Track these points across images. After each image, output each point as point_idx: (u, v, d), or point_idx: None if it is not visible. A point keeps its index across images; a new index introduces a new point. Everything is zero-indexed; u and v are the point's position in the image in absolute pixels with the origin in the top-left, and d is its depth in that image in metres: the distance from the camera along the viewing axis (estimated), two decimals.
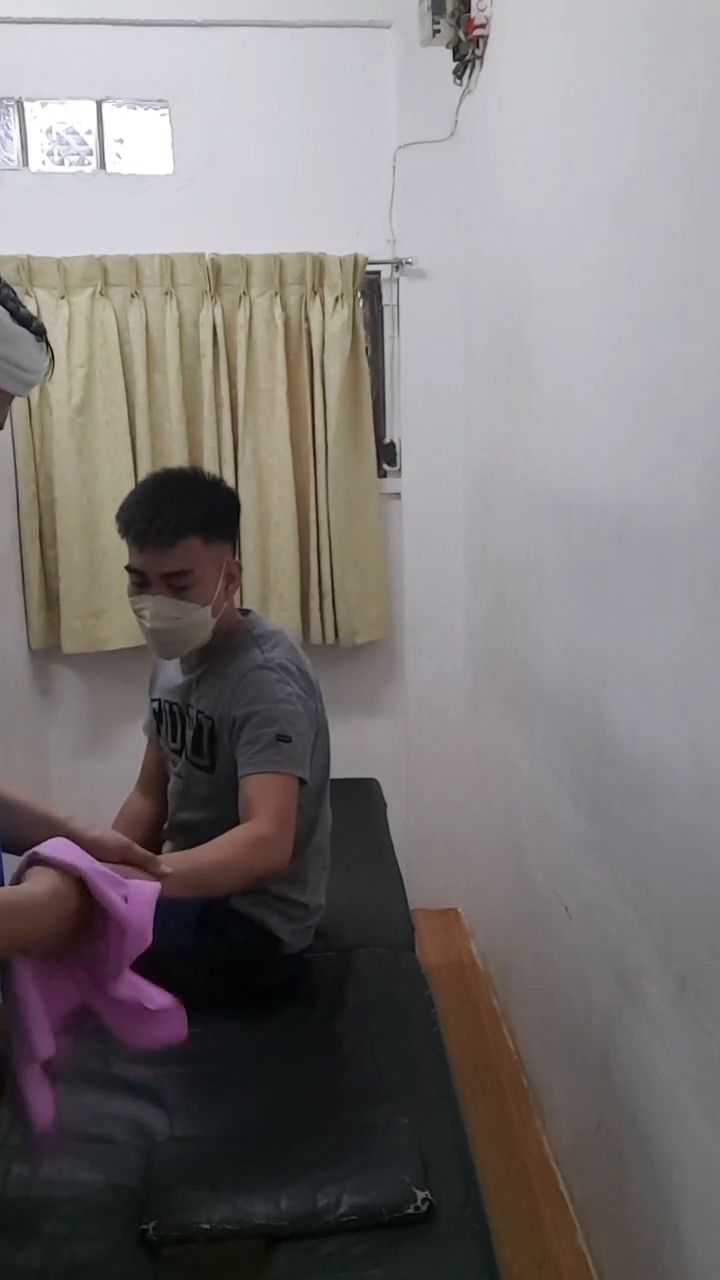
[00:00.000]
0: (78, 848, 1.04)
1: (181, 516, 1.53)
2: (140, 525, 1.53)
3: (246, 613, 1.74)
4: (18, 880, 1.02)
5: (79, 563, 2.73)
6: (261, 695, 1.56)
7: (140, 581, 1.57)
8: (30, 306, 2.60)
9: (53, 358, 1.02)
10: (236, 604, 1.73)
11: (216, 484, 1.67)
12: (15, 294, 0.97)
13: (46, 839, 1.15)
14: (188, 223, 2.71)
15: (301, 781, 1.54)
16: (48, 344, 1.00)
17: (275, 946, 1.66)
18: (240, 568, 1.67)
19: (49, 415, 2.69)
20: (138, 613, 1.59)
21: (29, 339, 0.97)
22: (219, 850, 1.42)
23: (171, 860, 1.34)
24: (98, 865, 1.03)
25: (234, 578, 1.65)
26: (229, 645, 1.65)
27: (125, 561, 1.58)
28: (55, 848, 1.03)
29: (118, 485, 2.67)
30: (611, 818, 1.56)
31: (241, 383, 2.72)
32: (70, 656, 2.86)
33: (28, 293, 2.62)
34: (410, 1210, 1.15)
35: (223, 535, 1.61)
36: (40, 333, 0.99)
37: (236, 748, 1.56)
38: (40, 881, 0.99)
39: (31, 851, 1.03)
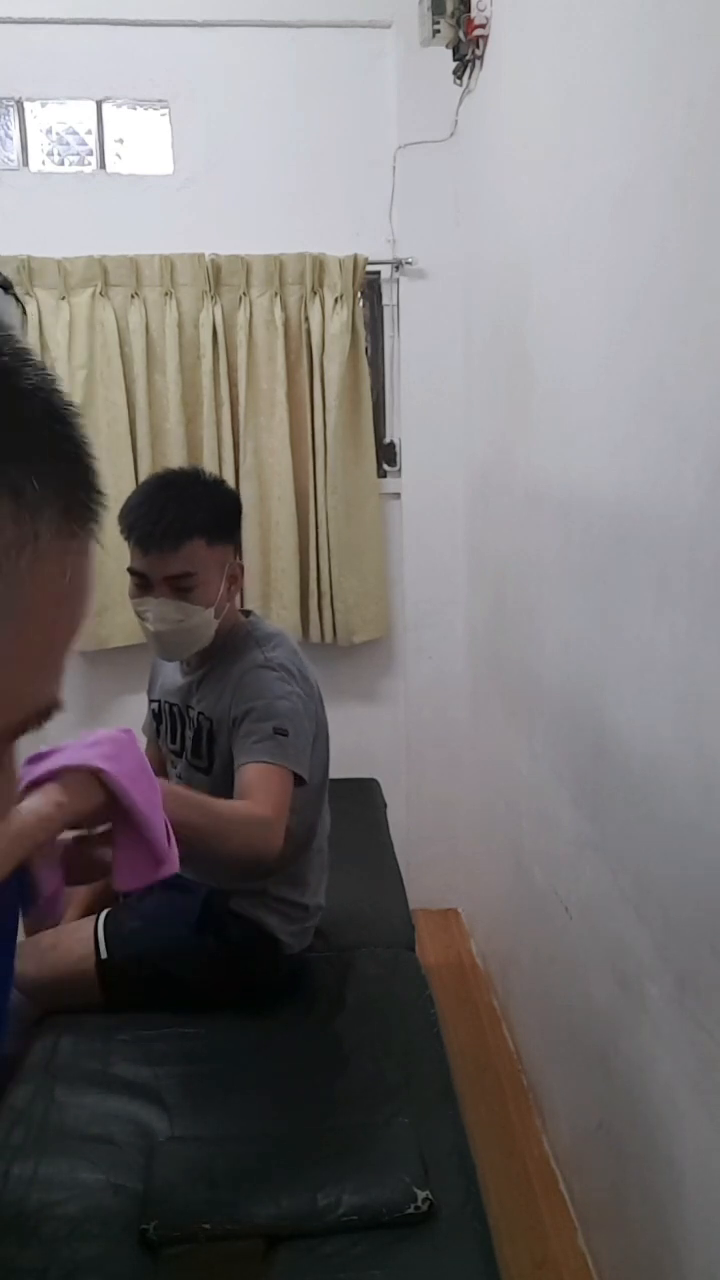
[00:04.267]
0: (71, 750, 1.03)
1: (185, 519, 1.52)
2: (144, 528, 1.52)
3: (248, 614, 1.74)
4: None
5: None
6: (261, 692, 1.56)
7: (142, 584, 1.56)
8: (30, 307, 2.62)
9: (24, 310, 1.02)
10: (238, 605, 1.73)
11: (219, 485, 1.66)
12: None
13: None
14: (188, 223, 2.71)
15: (299, 780, 1.53)
16: (16, 298, 1.00)
17: (275, 947, 1.66)
18: (243, 569, 1.67)
19: None
20: (140, 615, 1.58)
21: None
22: (220, 803, 1.40)
23: (171, 786, 1.30)
24: (143, 787, 1.03)
25: (236, 579, 1.64)
26: (230, 647, 1.65)
27: (126, 561, 1.58)
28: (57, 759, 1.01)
29: (119, 485, 2.67)
30: (611, 818, 1.56)
31: (242, 383, 2.72)
32: (71, 655, 2.86)
33: (28, 293, 2.61)
34: (410, 1210, 1.15)
35: (226, 537, 1.61)
36: (7, 285, 1.00)
37: (234, 741, 1.56)
38: (47, 795, 0.97)
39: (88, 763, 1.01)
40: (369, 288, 2.80)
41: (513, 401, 2.18)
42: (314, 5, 2.67)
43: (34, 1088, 1.39)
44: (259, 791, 1.45)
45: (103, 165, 2.75)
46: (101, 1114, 1.34)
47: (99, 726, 3.15)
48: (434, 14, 2.35)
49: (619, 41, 1.40)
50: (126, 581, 1.59)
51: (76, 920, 1.73)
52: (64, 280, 2.62)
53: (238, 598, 1.70)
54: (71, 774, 1.00)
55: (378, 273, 2.79)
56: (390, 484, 2.92)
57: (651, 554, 1.34)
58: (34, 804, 0.96)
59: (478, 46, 2.31)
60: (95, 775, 1.01)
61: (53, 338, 2.64)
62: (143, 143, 2.75)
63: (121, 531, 1.57)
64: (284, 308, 2.70)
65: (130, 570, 1.57)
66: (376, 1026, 1.57)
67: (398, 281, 2.80)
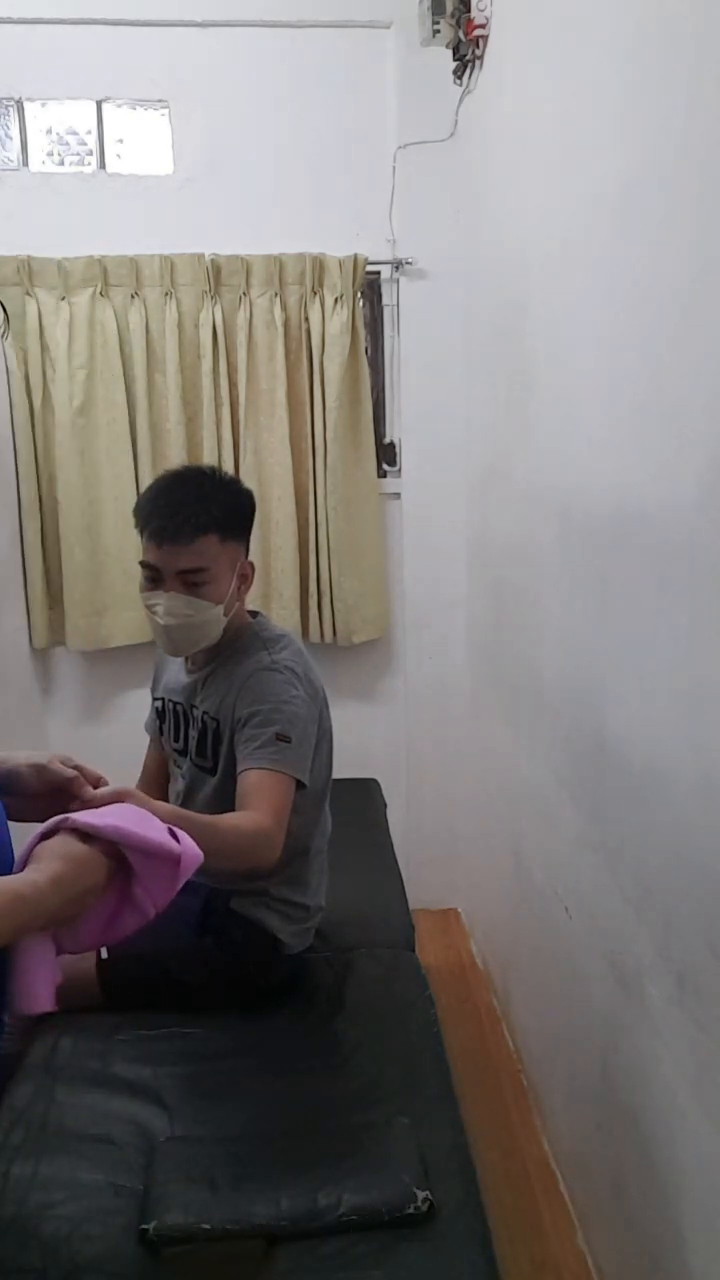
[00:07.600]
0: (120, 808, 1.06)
1: (201, 513, 1.53)
2: (159, 521, 1.53)
3: (255, 615, 1.74)
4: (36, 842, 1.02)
5: (81, 562, 2.72)
6: (266, 695, 1.56)
7: (154, 577, 1.56)
8: (30, 307, 2.62)
9: (5, 311, 1.04)
10: (245, 605, 1.73)
11: (234, 483, 1.67)
12: None
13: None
14: (188, 223, 2.71)
15: (300, 785, 1.53)
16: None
17: (275, 947, 1.66)
18: (253, 568, 1.67)
19: (50, 416, 2.69)
20: (150, 608, 1.59)
21: None
22: (217, 817, 1.41)
23: (165, 806, 1.32)
24: (125, 814, 1.05)
25: (246, 578, 1.64)
26: (237, 646, 1.65)
27: (127, 560, 1.58)
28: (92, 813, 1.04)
29: (119, 486, 2.68)
30: (611, 818, 1.56)
31: (242, 383, 2.72)
32: (71, 655, 2.86)
33: (28, 293, 2.62)
34: (410, 1210, 1.15)
35: (238, 534, 1.61)
36: None
37: (237, 743, 1.56)
38: (45, 868, 0.98)
39: (62, 817, 1.04)
40: (369, 288, 2.80)
41: (512, 401, 2.18)
42: (314, 5, 2.67)
43: (34, 1088, 1.39)
44: (259, 799, 1.46)
45: (103, 165, 2.75)
46: (101, 1114, 1.34)
47: (99, 726, 3.16)
48: (434, 14, 2.35)
49: (619, 41, 1.40)
50: (128, 581, 1.59)
51: None
52: (64, 280, 2.62)
53: (245, 598, 1.70)
54: (61, 844, 1.02)
55: (378, 273, 2.79)
56: (390, 484, 2.92)
57: (651, 554, 1.34)
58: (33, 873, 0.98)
59: (478, 46, 2.31)
60: (77, 834, 1.03)
61: (52, 338, 2.65)
62: (143, 143, 2.75)
63: (137, 524, 1.57)
64: (284, 308, 2.70)
65: (142, 564, 1.58)
66: (376, 1026, 1.57)
67: (398, 281, 2.80)
